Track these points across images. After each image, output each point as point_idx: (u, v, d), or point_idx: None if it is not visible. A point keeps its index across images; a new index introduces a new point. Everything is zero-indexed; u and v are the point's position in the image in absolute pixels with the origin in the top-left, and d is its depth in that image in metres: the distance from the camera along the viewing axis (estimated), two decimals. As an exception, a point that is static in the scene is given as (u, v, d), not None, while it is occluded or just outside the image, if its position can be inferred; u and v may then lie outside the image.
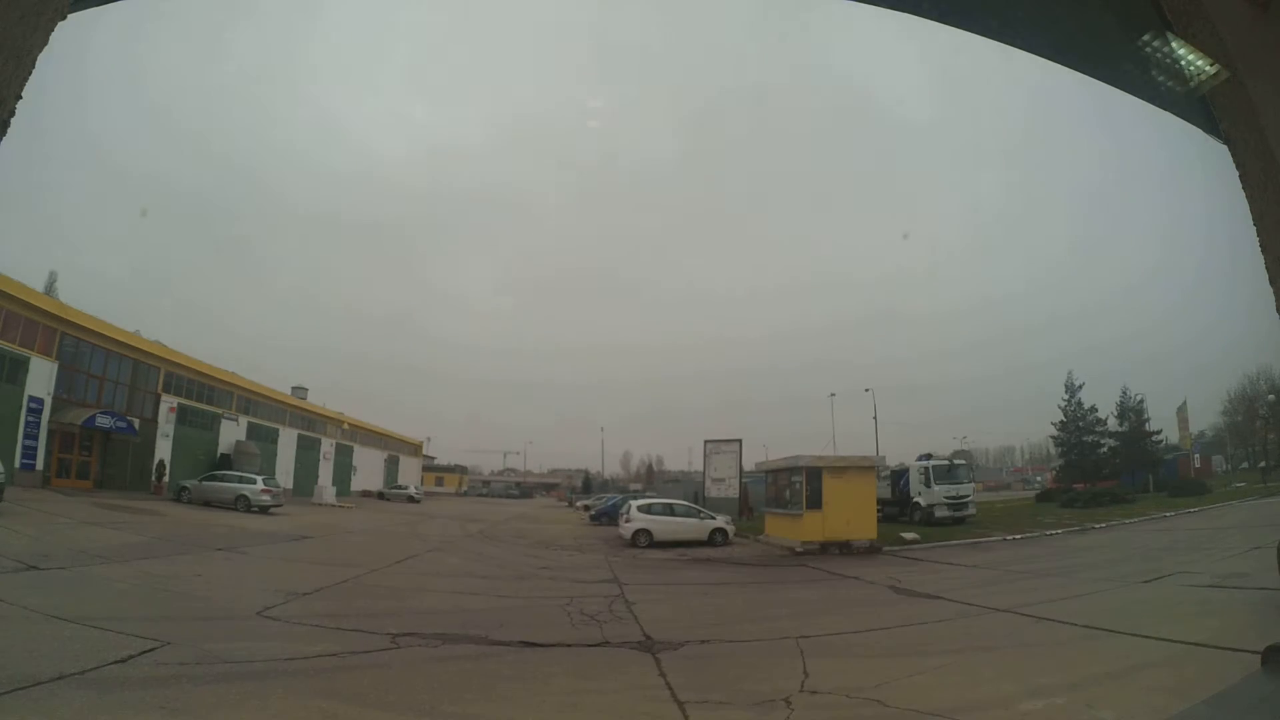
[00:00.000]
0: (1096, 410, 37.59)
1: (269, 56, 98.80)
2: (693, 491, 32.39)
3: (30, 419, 22.81)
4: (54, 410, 23.85)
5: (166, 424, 29.65)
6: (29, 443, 22.70)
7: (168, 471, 28.16)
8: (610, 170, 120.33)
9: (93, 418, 25.27)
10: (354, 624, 7.86)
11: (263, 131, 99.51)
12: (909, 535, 19.62)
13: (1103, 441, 37.40)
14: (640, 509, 20.83)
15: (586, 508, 40.13)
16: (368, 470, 48.58)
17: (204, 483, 25.22)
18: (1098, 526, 20.95)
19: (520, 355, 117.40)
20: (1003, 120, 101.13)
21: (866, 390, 51.94)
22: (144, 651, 5.93)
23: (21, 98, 1.61)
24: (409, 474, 56.21)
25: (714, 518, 21.03)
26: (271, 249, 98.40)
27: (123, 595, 8.66)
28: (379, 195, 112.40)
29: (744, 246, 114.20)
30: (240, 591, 9.75)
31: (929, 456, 25.84)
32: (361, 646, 6.82)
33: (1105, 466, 36.51)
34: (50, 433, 23.75)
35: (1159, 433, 37.30)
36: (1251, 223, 2.16)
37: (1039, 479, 61.66)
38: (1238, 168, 2.18)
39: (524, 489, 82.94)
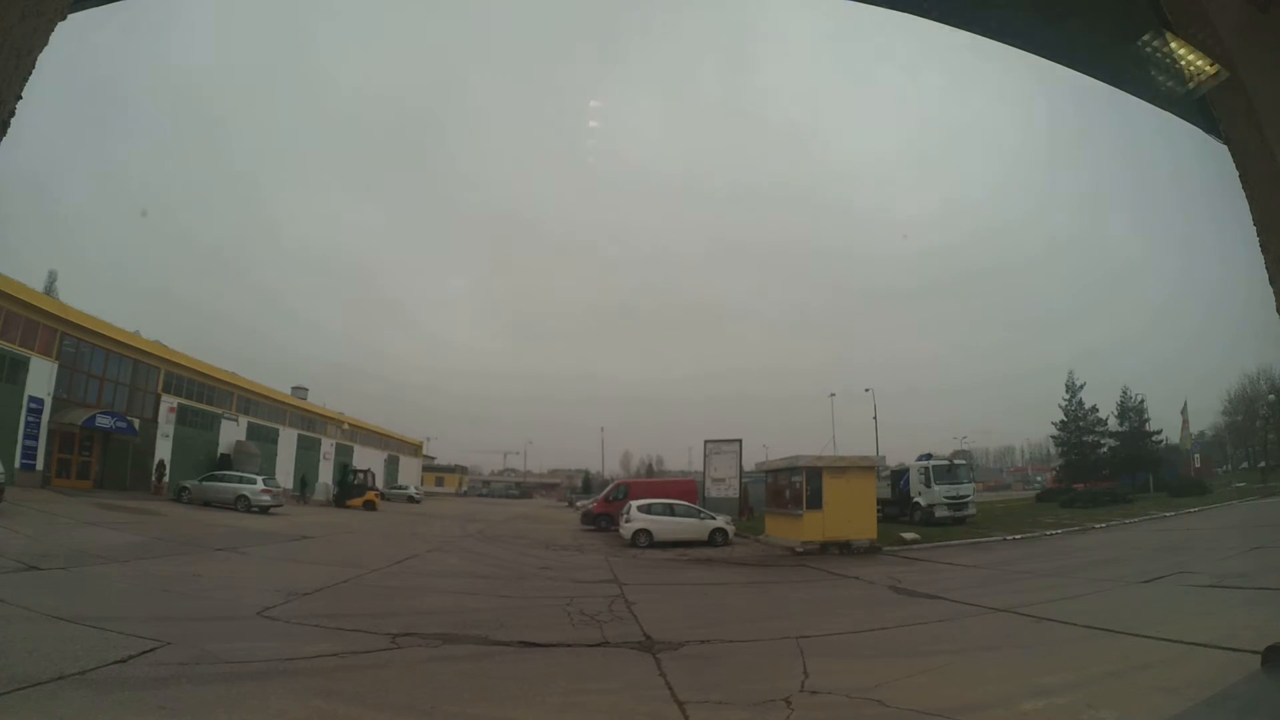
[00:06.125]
0: (1097, 410, 37.71)
1: (271, 56, 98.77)
2: (693, 492, 32.37)
3: (30, 419, 22.84)
4: (54, 410, 23.87)
5: (166, 424, 29.67)
6: (29, 443, 22.73)
7: (168, 471, 28.19)
8: (609, 173, 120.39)
9: (93, 418, 25.29)
10: (354, 624, 7.84)
11: (263, 131, 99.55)
12: (909, 535, 19.61)
13: (1103, 441, 37.42)
14: (640, 509, 20.78)
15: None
16: (368, 470, 48.60)
17: (204, 483, 25.21)
18: (1098, 526, 20.95)
19: (521, 356, 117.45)
20: (1002, 120, 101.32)
21: (866, 390, 52.01)
22: (144, 651, 5.92)
23: (22, 98, 1.61)
24: (409, 474, 56.29)
25: (714, 518, 21.00)
26: (269, 248, 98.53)
27: (123, 595, 8.67)
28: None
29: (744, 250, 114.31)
30: (240, 591, 9.74)
31: (929, 456, 25.80)
32: (361, 646, 6.81)
33: (1105, 466, 36.52)
34: (50, 433, 23.77)
35: (1159, 433, 37.37)
36: (1251, 222, 2.16)
37: (1039, 479, 61.63)
38: (1238, 168, 2.18)
39: (524, 489, 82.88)
